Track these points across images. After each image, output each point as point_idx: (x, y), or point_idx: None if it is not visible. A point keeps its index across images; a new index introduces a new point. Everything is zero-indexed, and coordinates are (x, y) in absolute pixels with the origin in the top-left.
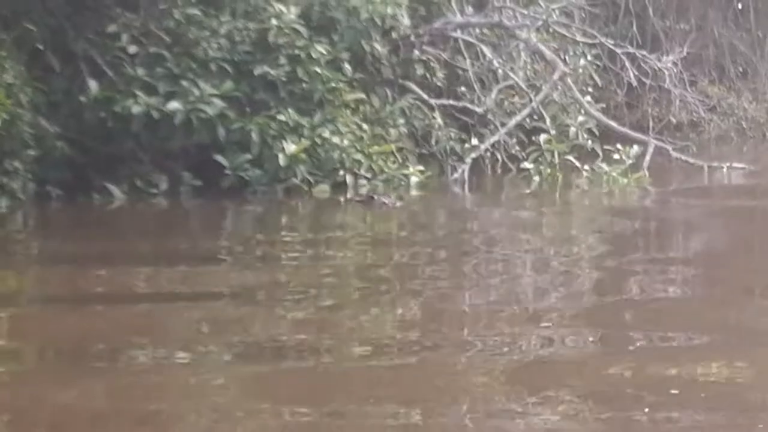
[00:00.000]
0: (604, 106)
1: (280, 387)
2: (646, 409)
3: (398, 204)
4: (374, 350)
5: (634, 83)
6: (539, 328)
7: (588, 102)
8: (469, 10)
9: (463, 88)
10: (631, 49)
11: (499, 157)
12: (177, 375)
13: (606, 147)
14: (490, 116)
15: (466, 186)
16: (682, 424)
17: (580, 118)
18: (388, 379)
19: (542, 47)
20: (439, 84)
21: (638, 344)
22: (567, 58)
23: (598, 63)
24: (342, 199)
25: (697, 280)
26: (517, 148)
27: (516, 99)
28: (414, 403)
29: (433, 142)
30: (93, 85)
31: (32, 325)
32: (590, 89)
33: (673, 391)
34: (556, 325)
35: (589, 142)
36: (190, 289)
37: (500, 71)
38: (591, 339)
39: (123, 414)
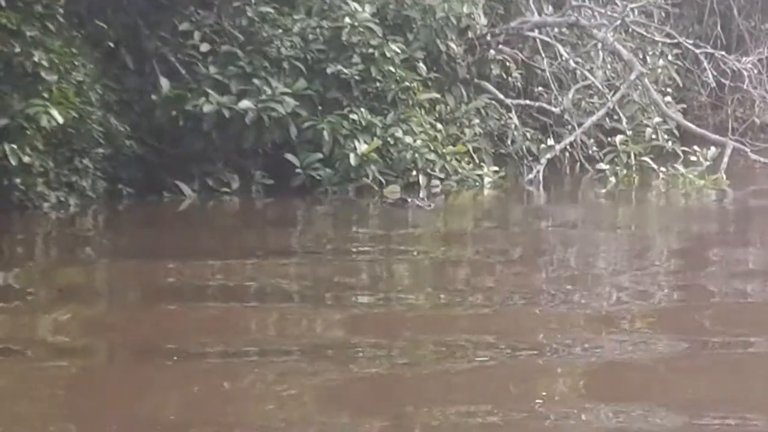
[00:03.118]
0: (685, 106)
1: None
2: None
3: (432, 206)
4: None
5: (713, 84)
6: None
7: (668, 102)
8: (549, 9)
9: (540, 88)
10: (710, 50)
11: (577, 157)
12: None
13: (683, 148)
14: (567, 116)
15: (541, 187)
16: None
17: (656, 119)
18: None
19: (619, 47)
20: (518, 84)
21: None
22: (647, 58)
23: (679, 63)
24: (371, 201)
25: None
26: (595, 148)
27: (595, 99)
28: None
29: (508, 142)
30: (165, 83)
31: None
32: (669, 90)
33: None
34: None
35: (670, 143)
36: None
37: (578, 71)
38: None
39: (191, 419)
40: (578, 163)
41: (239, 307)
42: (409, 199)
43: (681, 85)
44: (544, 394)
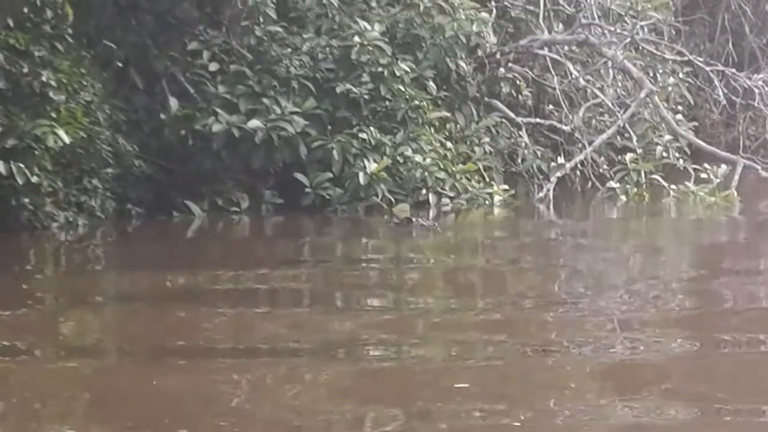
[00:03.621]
0: (696, 124)
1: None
2: None
3: (437, 226)
4: None
5: (723, 102)
6: None
7: (679, 120)
8: (559, 27)
9: (550, 107)
10: (720, 67)
11: (588, 176)
12: None
13: (694, 166)
14: (577, 135)
15: (551, 205)
16: None
17: (666, 137)
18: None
19: (628, 65)
20: (528, 102)
21: None
22: (657, 75)
23: (691, 81)
24: (378, 221)
25: None
26: (606, 166)
27: (606, 117)
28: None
29: (519, 160)
30: (173, 103)
31: None
32: (680, 107)
33: None
34: None
35: (681, 161)
36: None
37: (589, 89)
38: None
39: (202, 409)
40: (589, 182)
41: (250, 312)
42: (414, 219)
43: (692, 102)
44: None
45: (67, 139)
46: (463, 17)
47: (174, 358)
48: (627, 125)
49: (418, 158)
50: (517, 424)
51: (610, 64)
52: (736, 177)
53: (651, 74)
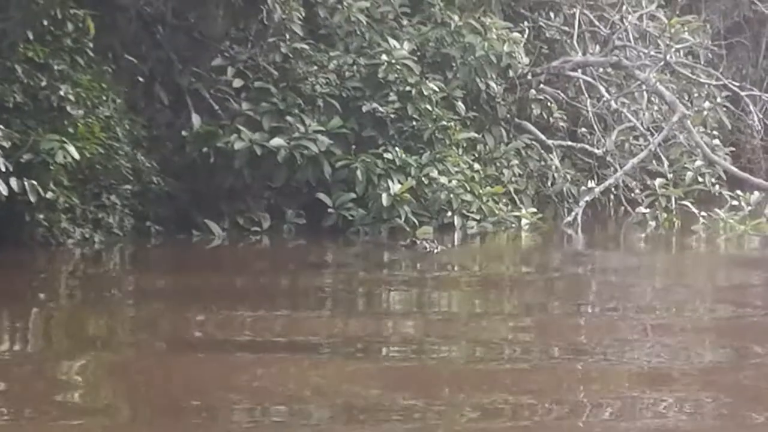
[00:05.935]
0: (733, 149)
1: None
2: None
3: (439, 249)
4: None
5: (758, 127)
6: None
7: (716, 146)
8: (596, 48)
9: (583, 129)
10: (756, 92)
11: (621, 200)
12: None
13: (726, 192)
14: (609, 158)
15: (580, 230)
16: None
17: (698, 162)
18: None
19: (661, 88)
20: (561, 124)
21: None
22: (693, 99)
23: (729, 105)
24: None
25: None
26: (638, 191)
27: (640, 141)
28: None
29: (548, 183)
30: (196, 119)
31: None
32: (715, 132)
33: None
34: None
35: (717, 186)
36: None
37: (623, 112)
38: None
39: None
40: (622, 207)
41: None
42: (417, 242)
43: (729, 127)
44: None
45: (77, 155)
46: (495, 37)
47: None
48: (661, 150)
49: (443, 180)
50: None
51: (644, 87)
52: None
53: (687, 98)
